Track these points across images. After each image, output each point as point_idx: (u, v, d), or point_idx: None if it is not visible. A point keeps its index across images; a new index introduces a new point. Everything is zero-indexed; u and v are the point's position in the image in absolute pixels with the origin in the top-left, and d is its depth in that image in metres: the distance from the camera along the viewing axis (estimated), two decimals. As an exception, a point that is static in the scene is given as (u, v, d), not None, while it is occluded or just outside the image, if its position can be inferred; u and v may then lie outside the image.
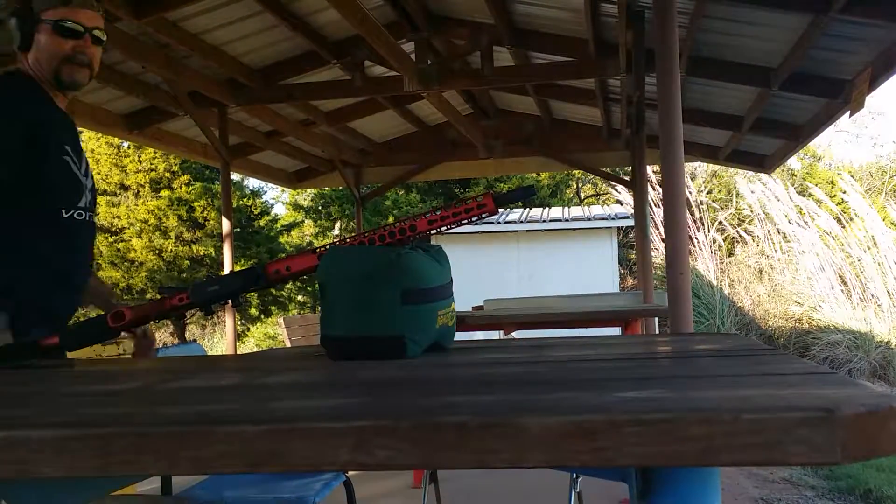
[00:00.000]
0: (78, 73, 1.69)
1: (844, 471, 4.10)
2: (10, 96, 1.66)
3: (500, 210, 1.25)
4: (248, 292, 1.32)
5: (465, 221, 1.25)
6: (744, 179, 11.82)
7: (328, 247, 1.25)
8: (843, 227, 9.79)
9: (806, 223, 10.01)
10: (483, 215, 1.25)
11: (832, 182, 13.72)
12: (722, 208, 12.36)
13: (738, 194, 11.50)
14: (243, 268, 1.40)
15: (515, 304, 4.66)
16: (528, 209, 12.66)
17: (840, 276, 9.24)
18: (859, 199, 9.53)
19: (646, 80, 4.57)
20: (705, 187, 13.36)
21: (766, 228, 10.69)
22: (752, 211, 11.17)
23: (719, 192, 13.13)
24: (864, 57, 3.83)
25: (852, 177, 13.95)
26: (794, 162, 13.86)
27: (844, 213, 10.05)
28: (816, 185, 12.09)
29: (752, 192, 10.95)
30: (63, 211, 1.65)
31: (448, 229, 1.28)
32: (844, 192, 10.11)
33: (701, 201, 11.72)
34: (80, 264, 1.72)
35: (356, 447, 0.54)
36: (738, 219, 12.01)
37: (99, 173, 12.93)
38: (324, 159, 7.39)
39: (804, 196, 10.71)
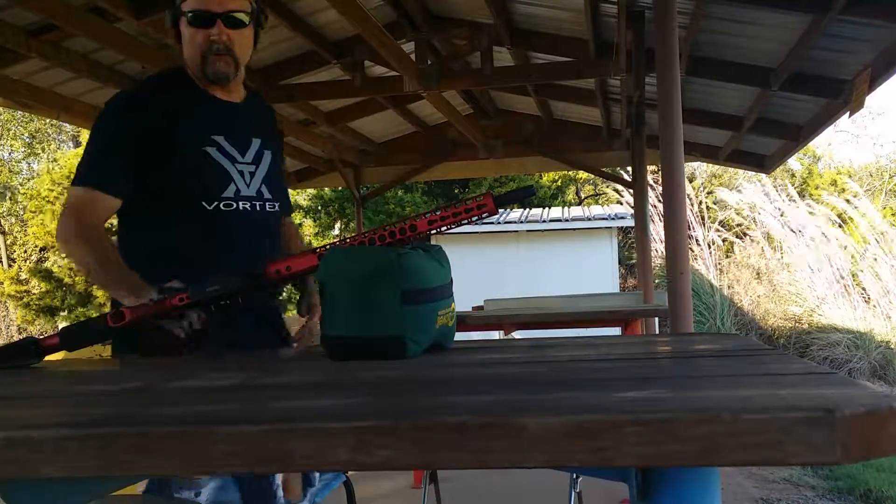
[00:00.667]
0: (219, 62, 1.61)
1: (844, 471, 4.10)
2: (138, 94, 1.63)
3: (501, 210, 1.25)
4: (247, 292, 1.32)
5: (465, 221, 1.24)
6: (744, 180, 11.82)
7: (328, 247, 1.25)
8: (843, 226, 9.79)
9: (806, 223, 10.01)
10: (483, 215, 1.24)
11: (835, 182, 13.72)
12: (722, 208, 12.35)
13: (739, 192, 11.50)
14: None
15: (515, 304, 4.65)
16: (528, 209, 12.66)
17: (840, 276, 9.24)
18: (859, 198, 9.53)
19: (646, 80, 4.57)
20: (705, 188, 13.36)
21: (766, 229, 10.69)
22: (751, 211, 11.17)
23: (721, 189, 13.12)
24: (864, 57, 3.82)
25: (850, 177, 13.96)
26: (794, 163, 13.85)
27: (844, 213, 10.04)
28: (817, 186, 12.08)
29: (752, 192, 10.95)
30: (205, 203, 1.57)
31: (448, 229, 1.28)
32: (844, 191, 10.11)
33: (701, 201, 11.72)
34: (234, 259, 1.54)
35: (356, 447, 0.54)
36: (738, 219, 12.01)
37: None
38: (324, 159, 7.39)
39: (805, 197, 10.70)
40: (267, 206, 1.66)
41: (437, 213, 1.24)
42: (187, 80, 1.66)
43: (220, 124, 1.63)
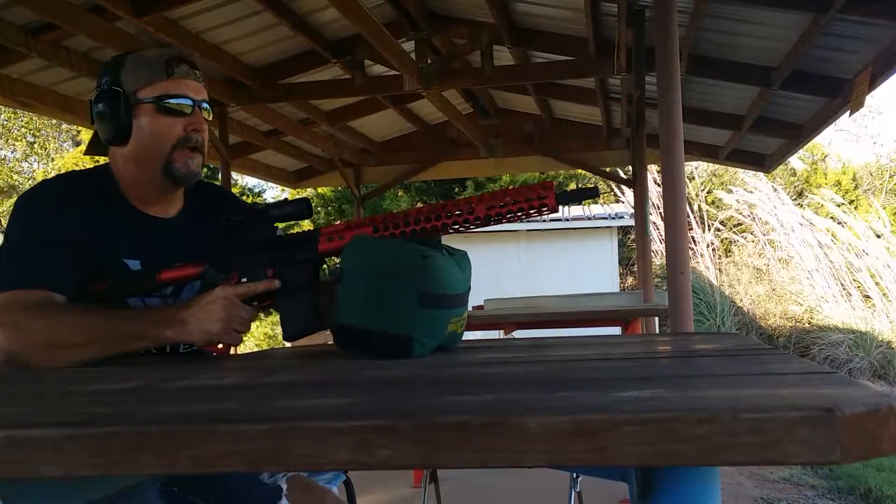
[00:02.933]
0: (191, 161, 1.38)
1: (844, 471, 4.10)
2: (65, 192, 1.37)
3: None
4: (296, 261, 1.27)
5: (522, 216, 1.17)
6: (744, 179, 11.81)
7: (387, 218, 1.20)
8: (843, 225, 9.79)
9: (805, 223, 10.01)
10: (543, 211, 1.16)
11: (838, 182, 13.72)
12: (722, 208, 12.35)
13: (738, 195, 11.50)
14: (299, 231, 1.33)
15: (515, 303, 4.65)
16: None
17: (840, 276, 9.24)
18: (859, 198, 9.53)
19: (646, 80, 4.57)
20: (705, 187, 13.35)
21: (766, 228, 10.69)
22: (751, 211, 11.17)
23: (720, 190, 13.12)
24: (864, 56, 3.82)
25: (854, 178, 13.95)
26: (796, 161, 13.85)
27: (845, 213, 10.04)
28: (818, 186, 12.08)
29: (752, 192, 10.95)
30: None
31: (503, 221, 1.19)
32: (848, 193, 10.11)
33: (701, 201, 11.72)
34: None
35: (356, 447, 0.54)
36: (738, 219, 12.01)
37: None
38: (324, 159, 7.39)
39: (806, 196, 10.71)
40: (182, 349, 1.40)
41: (498, 201, 1.17)
42: (110, 183, 1.40)
43: (136, 245, 1.38)
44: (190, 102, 1.37)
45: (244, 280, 1.27)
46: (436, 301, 1.10)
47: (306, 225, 9.83)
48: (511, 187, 1.20)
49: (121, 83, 1.35)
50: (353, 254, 1.15)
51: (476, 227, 1.20)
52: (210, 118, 1.42)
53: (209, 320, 1.21)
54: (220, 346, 1.25)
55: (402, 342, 1.09)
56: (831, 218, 9.94)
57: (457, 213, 1.18)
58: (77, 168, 13.24)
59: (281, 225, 1.35)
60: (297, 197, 1.33)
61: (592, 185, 1.31)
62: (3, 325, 1.23)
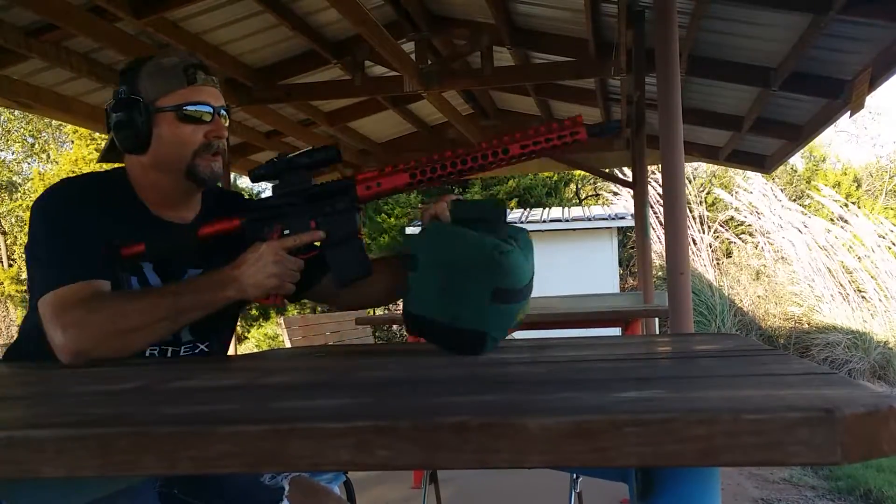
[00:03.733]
0: (214, 163, 1.38)
1: (844, 471, 4.10)
2: (88, 190, 1.37)
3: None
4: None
5: (555, 150, 1.20)
6: (743, 179, 11.82)
7: (422, 163, 1.23)
8: (843, 226, 9.79)
9: (805, 223, 10.01)
10: (574, 141, 1.18)
11: (838, 183, 13.72)
12: (721, 209, 12.35)
13: (736, 195, 11.50)
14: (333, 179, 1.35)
15: (515, 304, 4.64)
16: (528, 209, 12.66)
17: (839, 277, 9.24)
18: (860, 200, 9.53)
19: (646, 80, 4.57)
20: (705, 188, 13.36)
21: (766, 229, 10.69)
22: (751, 212, 11.18)
23: (719, 189, 13.12)
24: (864, 57, 3.82)
25: (854, 179, 13.95)
26: (798, 162, 13.86)
27: (848, 212, 10.04)
28: (818, 186, 12.08)
29: (751, 192, 10.95)
30: None
31: (535, 157, 1.22)
32: (849, 196, 10.10)
33: (701, 202, 11.72)
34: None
35: (356, 447, 0.54)
36: (738, 220, 12.01)
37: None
38: (324, 159, 7.38)
39: (806, 197, 10.70)
40: (182, 351, 1.39)
41: (531, 139, 1.18)
42: (127, 188, 1.40)
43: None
44: (210, 109, 1.37)
45: (287, 232, 1.29)
46: (508, 296, 1.10)
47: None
48: (542, 126, 1.21)
49: (139, 92, 1.35)
50: (429, 244, 1.15)
51: (511, 164, 1.21)
52: (228, 123, 1.42)
53: (263, 276, 1.25)
54: (276, 297, 1.28)
55: (476, 338, 1.09)
56: (831, 220, 9.94)
57: (492, 153, 1.20)
58: (76, 168, 13.25)
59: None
60: (325, 144, 1.37)
61: (617, 120, 1.35)
62: (67, 325, 1.21)
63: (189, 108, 1.35)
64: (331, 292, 1.45)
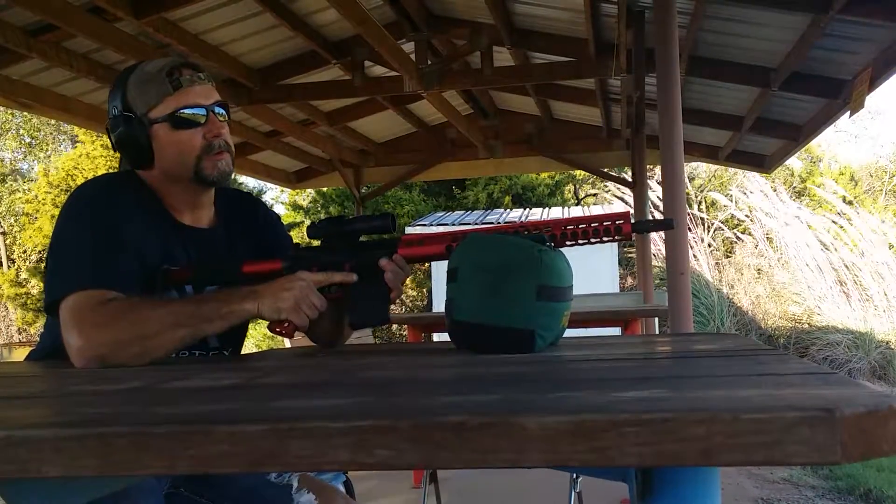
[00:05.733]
0: (220, 161, 1.36)
1: (844, 471, 4.10)
2: (122, 188, 1.36)
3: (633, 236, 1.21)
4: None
5: (596, 240, 1.19)
6: (743, 179, 11.82)
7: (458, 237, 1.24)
8: (843, 227, 9.79)
9: (805, 224, 10.01)
10: (617, 237, 1.19)
11: (836, 182, 13.72)
12: (721, 209, 12.35)
13: (736, 196, 11.50)
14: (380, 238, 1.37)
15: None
16: (527, 209, 12.66)
17: (839, 277, 9.24)
18: (859, 199, 9.52)
19: (646, 80, 4.57)
20: (705, 187, 13.36)
21: (766, 229, 10.69)
22: (751, 211, 11.17)
23: (720, 191, 13.12)
24: (864, 57, 3.83)
25: (852, 179, 13.95)
26: (795, 162, 13.86)
27: (844, 214, 10.04)
28: (818, 186, 12.09)
29: (751, 192, 10.95)
30: None
31: (577, 243, 1.21)
32: (848, 200, 10.10)
33: (701, 202, 11.71)
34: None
35: (356, 447, 0.54)
36: (738, 220, 12.01)
37: (94, 175, 12.87)
38: (324, 159, 7.39)
39: (805, 197, 10.71)
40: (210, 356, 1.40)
41: (574, 225, 1.19)
42: (153, 193, 1.39)
43: (178, 255, 1.37)
44: (203, 111, 1.35)
45: None
46: (552, 294, 1.11)
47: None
48: (590, 214, 1.22)
49: (130, 107, 1.33)
50: (467, 252, 1.16)
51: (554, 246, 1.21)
52: (226, 118, 1.39)
53: (281, 297, 1.25)
54: (287, 324, 1.27)
55: (524, 336, 1.10)
56: (833, 222, 9.93)
57: (534, 230, 1.20)
58: (78, 166, 13.23)
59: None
60: (383, 212, 1.39)
61: (669, 218, 1.33)
62: (86, 328, 1.18)
63: (182, 112, 1.33)
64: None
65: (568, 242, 1.19)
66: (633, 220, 1.17)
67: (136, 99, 1.34)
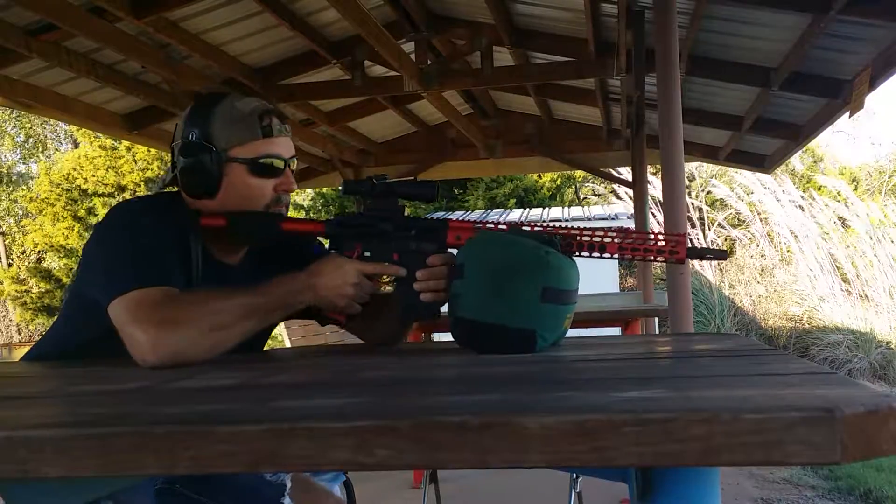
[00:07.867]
0: (280, 212, 1.38)
1: (844, 471, 4.10)
2: (168, 207, 1.36)
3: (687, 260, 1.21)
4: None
5: (651, 258, 1.20)
6: (744, 178, 11.81)
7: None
8: (844, 227, 9.78)
9: (805, 223, 10.01)
10: (671, 260, 1.19)
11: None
12: (722, 209, 12.35)
13: (738, 193, 11.49)
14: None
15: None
16: (527, 209, 12.65)
17: (840, 277, 9.24)
18: (859, 198, 9.52)
19: (646, 80, 4.57)
20: (705, 187, 13.35)
21: (766, 229, 10.69)
22: (751, 211, 11.17)
23: (720, 190, 13.12)
24: (864, 57, 3.83)
25: (852, 180, 13.95)
26: (796, 162, 13.84)
27: (843, 214, 10.03)
28: (819, 187, 12.08)
29: (752, 192, 10.94)
30: None
31: (626, 257, 1.21)
32: (847, 200, 10.09)
33: (701, 201, 11.71)
34: None
35: (356, 447, 0.54)
36: (738, 219, 12.00)
37: (94, 176, 12.88)
38: (324, 159, 7.39)
39: (805, 197, 10.70)
40: None
41: (629, 241, 1.19)
42: (189, 220, 1.36)
43: (189, 278, 1.33)
44: (282, 164, 1.35)
45: (367, 254, 1.31)
46: (556, 296, 1.12)
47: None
48: (644, 231, 1.22)
49: (211, 139, 1.31)
50: (473, 249, 1.17)
51: (602, 256, 1.21)
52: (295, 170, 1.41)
53: (338, 295, 1.28)
54: (341, 315, 1.33)
55: (525, 336, 1.10)
56: (839, 218, 9.92)
57: (590, 238, 1.20)
58: (78, 165, 13.22)
59: None
60: (426, 179, 1.38)
61: (724, 249, 1.33)
62: (157, 323, 1.12)
63: (263, 160, 1.33)
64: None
65: (615, 255, 1.19)
66: (689, 245, 1.17)
67: (220, 132, 1.32)
